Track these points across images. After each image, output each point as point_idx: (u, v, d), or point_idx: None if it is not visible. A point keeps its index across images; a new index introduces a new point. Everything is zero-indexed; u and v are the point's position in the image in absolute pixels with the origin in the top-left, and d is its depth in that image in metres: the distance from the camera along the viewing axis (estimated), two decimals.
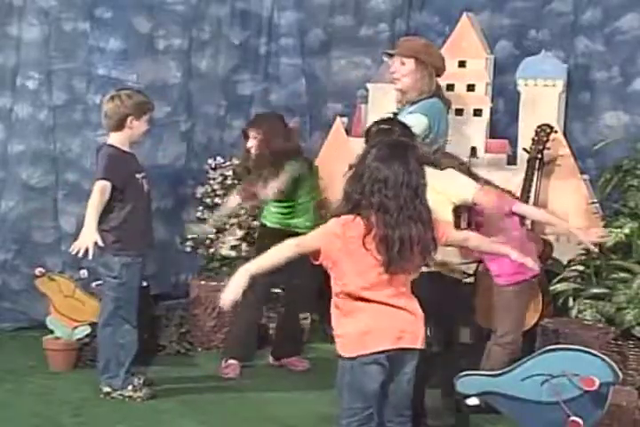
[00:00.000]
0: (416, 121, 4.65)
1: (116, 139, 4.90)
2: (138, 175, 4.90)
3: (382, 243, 3.28)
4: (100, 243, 4.60)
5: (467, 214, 4.40)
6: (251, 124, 5.51)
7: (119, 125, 4.86)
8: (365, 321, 3.36)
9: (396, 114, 5.11)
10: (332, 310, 3.46)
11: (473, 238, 3.80)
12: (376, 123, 4.31)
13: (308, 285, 5.39)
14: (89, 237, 4.58)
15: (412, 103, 4.93)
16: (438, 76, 5.09)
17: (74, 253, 4.60)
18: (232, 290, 3.32)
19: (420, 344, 3.43)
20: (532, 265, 3.88)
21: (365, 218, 3.31)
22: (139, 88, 5.61)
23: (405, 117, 4.73)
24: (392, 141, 3.52)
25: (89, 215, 4.67)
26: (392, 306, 3.37)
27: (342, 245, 3.32)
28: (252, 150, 5.38)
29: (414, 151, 3.44)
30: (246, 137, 5.43)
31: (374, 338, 3.35)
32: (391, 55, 5.13)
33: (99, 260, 4.85)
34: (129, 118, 4.84)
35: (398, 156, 3.35)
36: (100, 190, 4.72)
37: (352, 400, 3.40)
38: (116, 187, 4.76)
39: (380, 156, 3.35)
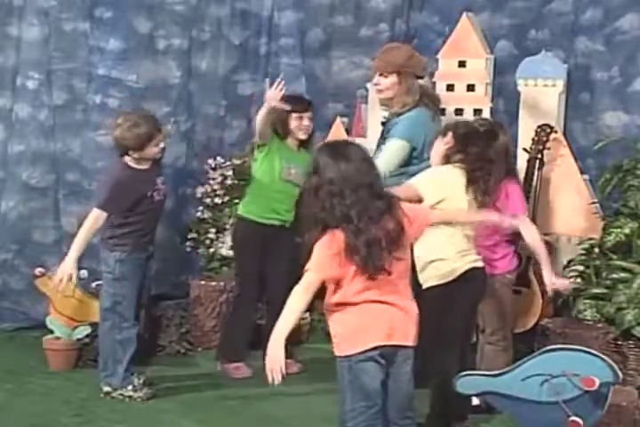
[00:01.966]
0: (396, 148, 4.75)
1: (129, 159, 4.85)
2: (149, 193, 4.86)
3: (351, 251, 3.28)
4: (75, 279, 4.71)
5: None
6: (306, 106, 5.36)
7: (125, 153, 4.84)
8: (355, 320, 3.38)
9: (384, 123, 5.13)
10: (325, 313, 3.49)
11: (458, 215, 3.91)
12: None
13: (287, 286, 5.41)
14: (65, 271, 4.67)
15: (398, 115, 4.96)
16: (420, 78, 5.08)
17: (55, 283, 4.74)
18: (278, 362, 3.20)
19: (411, 341, 3.43)
20: (512, 223, 3.98)
21: (338, 230, 3.31)
22: (135, 86, 5.65)
23: (385, 146, 4.88)
24: (330, 145, 3.49)
25: (75, 244, 4.73)
26: (381, 303, 3.38)
27: (336, 265, 3.32)
28: (306, 131, 5.35)
29: (356, 147, 3.43)
30: (299, 115, 5.30)
31: (365, 336, 3.36)
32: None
33: (100, 255, 4.87)
34: (130, 151, 4.80)
35: (342, 157, 3.33)
36: (94, 219, 4.74)
37: (355, 400, 3.40)
38: (116, 214, 4.78)
39: (325, 165, 3.33)
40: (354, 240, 3.27)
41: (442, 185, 4.20)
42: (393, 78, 4.95)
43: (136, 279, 4.91)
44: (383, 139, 4.98)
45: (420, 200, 4.09)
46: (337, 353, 3.43)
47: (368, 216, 3.30)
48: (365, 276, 3.32)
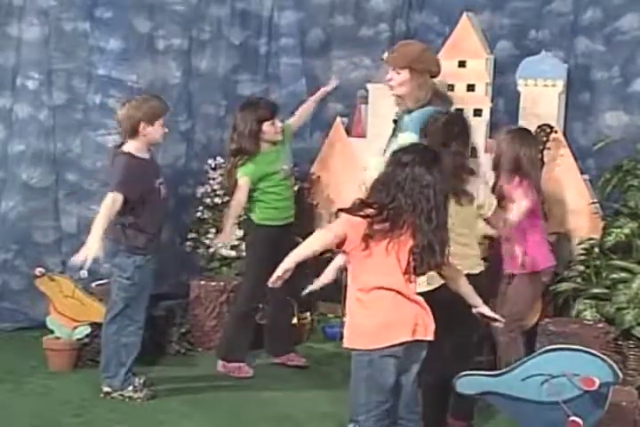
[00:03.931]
0: (409, 141, 4.71)
1: (133, 146, 4.81)
2: (156, 183, 4.86)
3: (419, 248, 3.39)
4: (101, 256, 4.57)
5: None
6: (275, 110, 5.42)
7: (133, 132, 4.79)
8: (385, 313, 3.42)
9: (395, 121, 5.13)
10: (352, 302, 3.50)
11: (462, 282, 3.81)
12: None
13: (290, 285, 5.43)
14: (90, 250, 4.53)
15: (409, 112, 4.96)
16: (434, 77, 5.10)
17: (73, 262, 4.59)
18: (281, 270, 3.47)
19: (430, 336, 3.48)
20: (497, 321, 3.93)
21: (395, 221, 3.38)
22: (135, 86, 5.65)
23: (399, 137, 4.82)
24: (427, 150, 3.61)
25: (95, 226, 4.62)
26: (409, 299, 3.44)
27: (363, 238, 3.39)
28: (281, 133, 5.42)
29: (442, 159, 3.58)
30: (271, 122, 5.35)
31: (395, 330, 3.40)
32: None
33: (112, 260, 4.82)
34: (142, 124, 4.77)
35: (435, 163, 3.48)
36: (111, 202, 4.64)
37: (370, 395, 3.43)
38: (131, 200, 4.71)
39: (421, 163, 3.45)
40: (427, 237, 3.38)
41: None
42: (405, 74, 4.97)
43: (149, 283, 4.92)
44: (395, 136, 4.99)
45: None
46: (357, 346, 3.45)
47: (442, 221, 3.43)
48: (405, 271, 3.41)
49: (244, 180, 5.30)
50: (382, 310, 3.42)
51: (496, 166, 4.93)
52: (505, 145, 4.90)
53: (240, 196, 5.31)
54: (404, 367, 3.47)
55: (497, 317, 3.89)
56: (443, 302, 4.03)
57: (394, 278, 3.42)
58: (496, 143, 5.02)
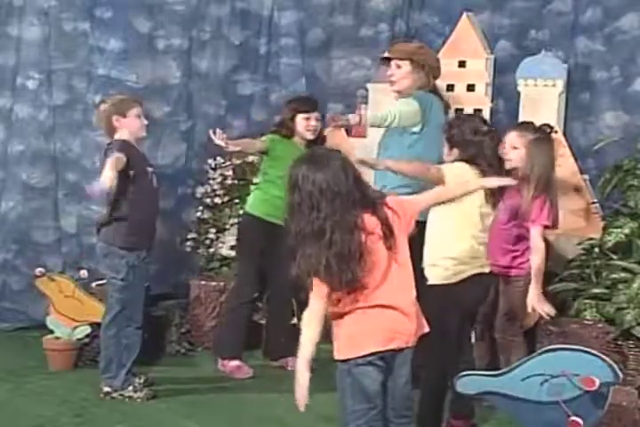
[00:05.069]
0: (405, 102, 4.71)
1: (122, 133, 4.85)
2: (149, 169, 4.89)
3: (327, 267, 3.24)
4: (113, 186, 4.49)
5: None
6: (314, 106, 5.47)
7: (111, 128, 4.86)
8: (356, 324, 3.37)
9: None
10: (329, 317, 3.48)
11: (447, 191, 3.87)
12: None
13: (289, 284, 5.44)
14: (105, 180, 4.38)
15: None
16: (435, 78, 5.12)
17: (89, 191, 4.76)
18: (303, 388, 3.37)
19: (411, 343, 3.41)
20: (509, 181, 3.98)
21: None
22: (135, 86, 5.67)
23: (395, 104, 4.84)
24: (305, 158, 3.37)
25: (107, 166, 4.45)
26: (383, 307, 3.35)
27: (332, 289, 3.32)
28: (314, 132, 5.40)
29: (333, 155, 3.33)
30: (306, 116, 5.39)
31: (364, 341, 3.35)
32: (387, 59, 5.17)
33: (104, 261, 4.82)
34: (114, 117, 4.83)
35: (318, 168, 3.25)
36: (115, 158, 4.54)
37: (356, 402, 3.41)
38: (129, 170, 4.68)
39: (303, 178, 3.25)
40: (325, 253, 3.22)
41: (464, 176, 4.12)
42: (406, 67, 5.00)
43: (144, 281, 4.92)
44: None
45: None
46: (336, 357, 3.44)
47: (342, 228, 3.22)
48: (341, 289, 3.29)
49: (264, 138, 5.39)
50: (349, 323, 3.37)
51: (524, 179, 4.54)
52: (541, 160, 4.56)
53: (256, 141, 5.38)
54: (387, 374, 3.42)
55: (507, 181, 3.95)
56: (440, 302, 4.04)
57: (359, 302, 3.34)
58: (525, 149, 4.59)
